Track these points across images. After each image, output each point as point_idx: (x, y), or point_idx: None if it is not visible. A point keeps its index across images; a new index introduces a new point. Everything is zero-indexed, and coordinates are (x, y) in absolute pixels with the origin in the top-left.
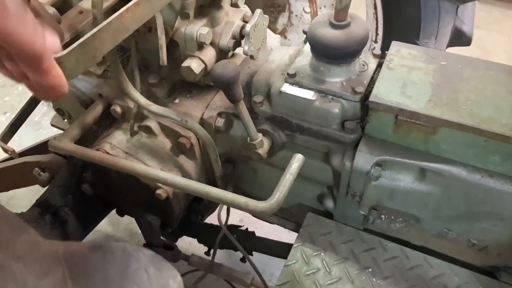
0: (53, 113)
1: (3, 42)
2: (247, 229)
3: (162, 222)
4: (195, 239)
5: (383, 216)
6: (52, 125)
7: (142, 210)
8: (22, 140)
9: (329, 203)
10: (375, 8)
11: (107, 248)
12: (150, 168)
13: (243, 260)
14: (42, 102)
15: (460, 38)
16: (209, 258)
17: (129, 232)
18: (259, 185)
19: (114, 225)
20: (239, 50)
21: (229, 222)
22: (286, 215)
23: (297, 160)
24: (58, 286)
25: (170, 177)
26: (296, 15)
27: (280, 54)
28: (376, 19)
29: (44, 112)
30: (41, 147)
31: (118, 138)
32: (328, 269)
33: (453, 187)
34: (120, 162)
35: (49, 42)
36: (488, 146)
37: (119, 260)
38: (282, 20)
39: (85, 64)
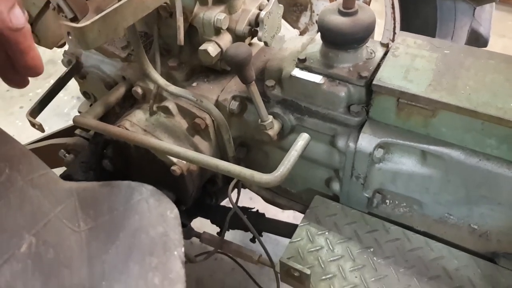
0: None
1: None
2: (257, 210)
3: (176, 199)
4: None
5: (387, 200)
6: (80, 112)
7: (158, 186)
8: (52, 130)
9: (336, 186)
10: (393, 7)
11: (115, 184)
12: (164, 142)
13: (252, 240)
14: (71, 94)
15: (477, 40)
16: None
17: None
18: (270, 169)
19: None
20: (256, 41)
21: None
22: (296, 200)
23: (303, 139)
24: (69, 213)
25: (183, 150)
26: (318, 14)
27: (294, 42)
28: (394, 19)
29: (74, 105)
30: (67, 132)
31: (138, 116)
32: (331, 247)
33: (452, 170)
34: (138, 136)
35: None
36: (484, 130)
37: (124, 193)
38: (304, 19)
39: (106, 35)
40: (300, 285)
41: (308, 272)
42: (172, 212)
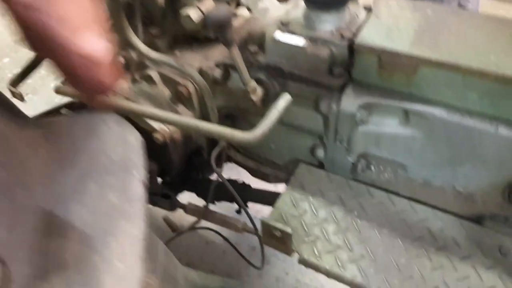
0: None
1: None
2: (243, 182)
3: (161, 170)
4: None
5: (372, 166)
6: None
7: None
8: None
9: (320, 153)
10: None
11: (79, 113)
12: (142, 106)
13: (238, 211)
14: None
15: None
16: None
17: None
18: None
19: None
20: (241, 12)
21: None
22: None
23: (284, 98)
24: (33, 140)
25: (163, 112)
26: None
27: (278, 10)
28: None
29: None
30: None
31: (120, 85)
32: (315, 212)
33: (435, 129)
34: (117, 102)
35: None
36: (465, 83)
37: (84, 119)
38: None
39: None
40: (282, 246)
41: (289, 231)
42: (135, 138)
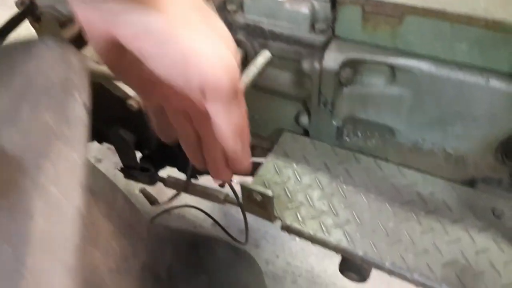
0: None
1: None
2: None
3: (138, 141)
4: None
5: (359, 132)
6: None
7: (117, 127)
8: None
9: (304, 120)
10: None
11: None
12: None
13: (221, 185)
14: None
15: None
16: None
17: (126, 192)
18: None
19: None
20: None
21: None
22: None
23: (263, 55)
24: None
25: None
26: None
27: None
28: None
29: None
30: None
31: (92, 51)
32: (299, 178)
33: (423, 85)
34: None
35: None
36: (454, 32)
37: (23, 42)
38: None
39: None
40: (264, 212)
41: (270, 194)
42: (77, 59)
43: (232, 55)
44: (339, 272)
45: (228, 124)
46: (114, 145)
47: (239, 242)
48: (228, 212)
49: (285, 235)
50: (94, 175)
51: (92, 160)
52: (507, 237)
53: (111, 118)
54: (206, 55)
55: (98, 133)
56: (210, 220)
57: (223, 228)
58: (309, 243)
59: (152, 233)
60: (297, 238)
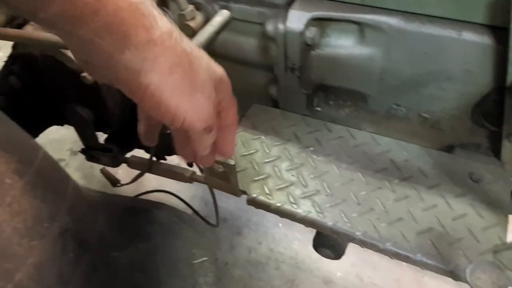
0: None
1: None
2: None
3: (97, 119)
4: None
5: (330, 101)
6: None
7: (74, 103)
8: None
9: (273, 90)
10: None
11: None
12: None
13: (189, 164)
14: None
15: None
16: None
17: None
18: None
19: (87, 177)
20: None
21: None
22: None
23: (221, 14)
24: None
25: None
26: None
27: None
28: None
29: None
30: None
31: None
32: (267, 150)
33: (393, 43)
34: (34, 34)
35: None
36: None
37: None
38: None
39: None
40: (227, 185)
41: (231, 162)
42: None
43: (206, 100)
44: (324, 258)
45: (201, 146)
46: (72, 125)
47: (211, 224)
48: (210, 201)
49: (268, 222)
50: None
51: (68, 153)
52: (485, 202)
53: (67, 94)
54: (184, 109)
55: (56, 113)
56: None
57: (193, 210)
58: (292, 228)
59: (82, 198)
60: (280, 224)
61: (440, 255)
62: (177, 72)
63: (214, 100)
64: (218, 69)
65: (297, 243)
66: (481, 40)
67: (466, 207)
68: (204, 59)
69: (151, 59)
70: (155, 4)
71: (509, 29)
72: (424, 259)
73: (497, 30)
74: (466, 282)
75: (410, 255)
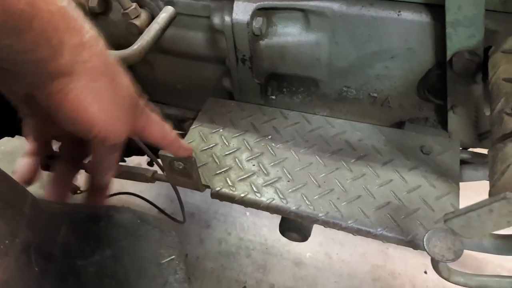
0: None
1: None
2: None
3: None
4: None
5: (284, 89)
6: None
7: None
8: None
9: (226, 82)
10: None
11: None
12: None
13: (150, 163)
14: None
15: None
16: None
17: None
18: (157, 82)
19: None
20: None
21: None
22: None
23: (166, 10)
24: None
25: None
26: None
27: None
28: None
29: None
30: None
31: None
32: (226, 143)
33: (337, 27)
34: None
35: None
36: None
37: None
38: None
39: None
40: (189, 181)
41: (190, 158)
42: None
43: (124, 115)
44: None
45: (105, 163)
46: (22, 135)
47: (177, 221)
48: (175, 198)
49: (235, 212)
50: None
51: None
52: (437, 173)
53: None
54: (102, 119)
55: (6, 125)
56: (155, 209)
57: (159, 209)
58: (260, 215)
59: (41, 210)
60: (247, 213)
61: (399, 227)
62: (101, 80)
63: (133, 118)
64: (135, 90)
65: (265, 229)
66: (420, 18)
67: (419, 179)
68: (126, 75)
69: (80, 62)
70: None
71: (445, 6)
72: (385, 233)
73: (434, 8)
74: (424, 250)
75: (371, 230)
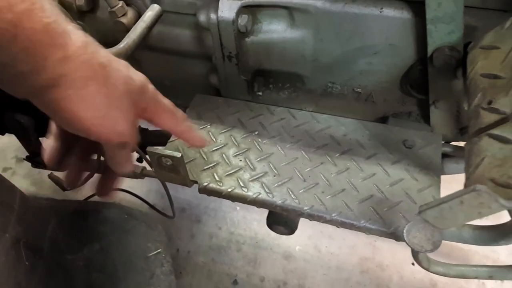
0: None
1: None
2: (139, 126)
3: (38, 125)
4: None
5: (270, 85)
6: None
7: (11, 112)
8: None
9: (213, 78)
10: None
11: None
12: None
13: (139, 160)
14: None
15: None
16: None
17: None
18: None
19: (37, 184)
20: None
21: None
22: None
23: (152, 9)
24: None
25: None
26: None
27: None
28: None
29: None
30: None
31: None
32: (213, 138)
33: (321, 24)
34: None
35: None
36: None
37: None
38: None
39: None
40: (178, 177)
41: (177, 154)
42: None
43: (122, 115)
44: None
45: (115, 161)
46: (13, 133)
47: (167, 216)
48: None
49: (226, 207)
50: None
51: (14, 161)
52: (419, 166)
53: (4, 102)
54: (98, 123)
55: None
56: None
57: (149, 204)
58: (250, 209)
59: (30, 206)
60: (237, 207)
61: (382, 219)
62: (92, 86)
63: (136, 112)
64: (139, 78)
65: (256, 223)
66: (401, 15)
67: (402, 172)
68: (122, 71)
69: (66, 74)
70: (68, 19)
71: (425, 3)
72: (368, 225)
73: (415, 5)
74: (405, 241)
75: (355, 223)
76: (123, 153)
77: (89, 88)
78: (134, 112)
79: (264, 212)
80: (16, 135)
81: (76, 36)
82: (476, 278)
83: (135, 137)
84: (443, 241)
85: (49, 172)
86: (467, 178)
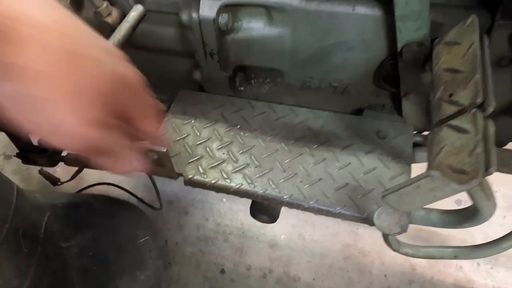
0: None
1: None
2: None
3: None
4: None
5: (252, 80)
6: None
7: None
8: None
9: (197, 74)
10: None
11: None
12: None
13: None
14: None
15: None
16: None
17: (43, 184)
18: None
19: (26, 180)
20: None
21: None
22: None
23: (136, 9)
24: None
25: None
26: None
27: None
28: None
29: None
30: None
31: None
32: (197, 133)
33: (298, 21)
34: None
35: None
36: None
37: None
38: None
39: None
40: (164, 170)
41: (164, 149)
42: None
43: (78, 120)
44: (267, 224)
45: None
46: (2, 130)
47: (155, 208)
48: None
49: (212, 199)
50: None
51: (1, 158)
52: (391, 155)
53: None
54: (46, 131)
55: None
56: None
57: (137, 197)
58: (236, 201)
59: (26, 199)
60: (224, 199)
61: (356, 205)
62: (44, 81)
63: (106, 111)
64: (124, 71)
65: (242, 214)
66: (373, 12)
67: (375, 161)
68: (93, 59)
69: (13, 63)
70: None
71: (393, 1)
72: (343, 211)
73: (385, 3)
74: (375, 226)
75: (331, 209)
76: (104, 160)
77: (38, 84)
78: (107, 111)
79: (249, 203)
80: (5, 132)
81: (33, 18)
82: (442, 258)
83: (113, 139)
84: (424, 227)
85: (38, 168)
86: (428, 166)
